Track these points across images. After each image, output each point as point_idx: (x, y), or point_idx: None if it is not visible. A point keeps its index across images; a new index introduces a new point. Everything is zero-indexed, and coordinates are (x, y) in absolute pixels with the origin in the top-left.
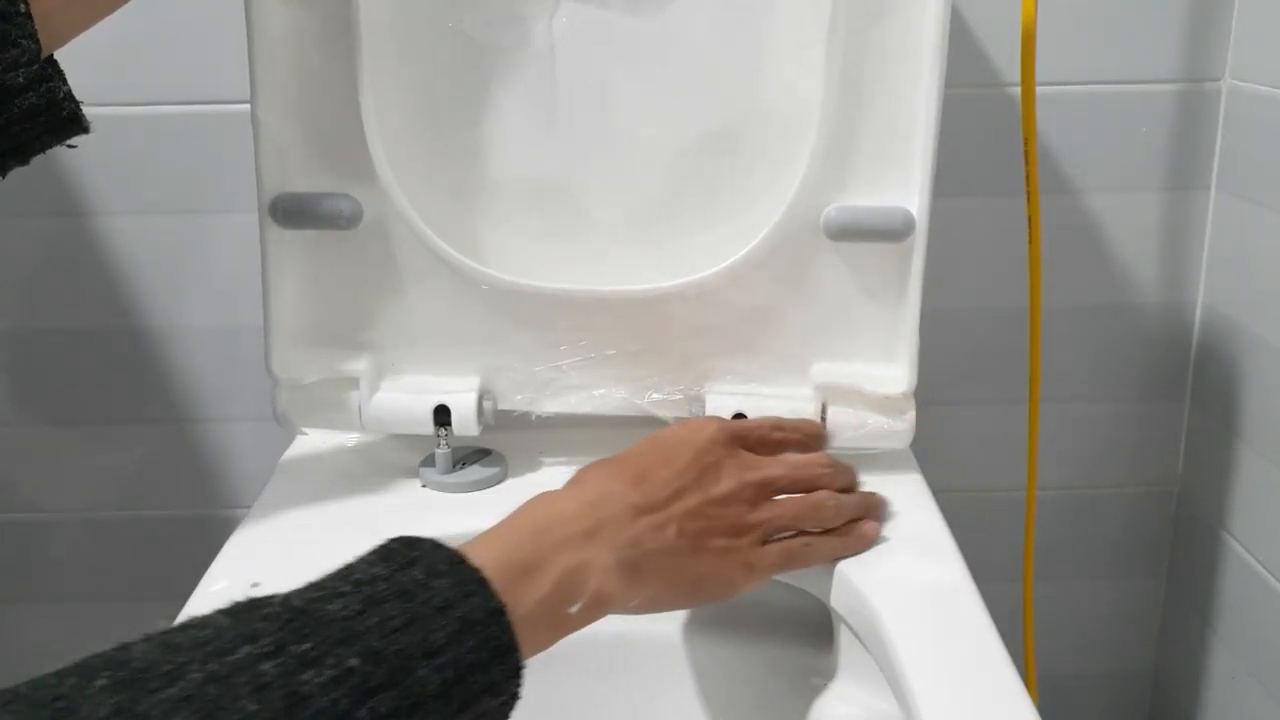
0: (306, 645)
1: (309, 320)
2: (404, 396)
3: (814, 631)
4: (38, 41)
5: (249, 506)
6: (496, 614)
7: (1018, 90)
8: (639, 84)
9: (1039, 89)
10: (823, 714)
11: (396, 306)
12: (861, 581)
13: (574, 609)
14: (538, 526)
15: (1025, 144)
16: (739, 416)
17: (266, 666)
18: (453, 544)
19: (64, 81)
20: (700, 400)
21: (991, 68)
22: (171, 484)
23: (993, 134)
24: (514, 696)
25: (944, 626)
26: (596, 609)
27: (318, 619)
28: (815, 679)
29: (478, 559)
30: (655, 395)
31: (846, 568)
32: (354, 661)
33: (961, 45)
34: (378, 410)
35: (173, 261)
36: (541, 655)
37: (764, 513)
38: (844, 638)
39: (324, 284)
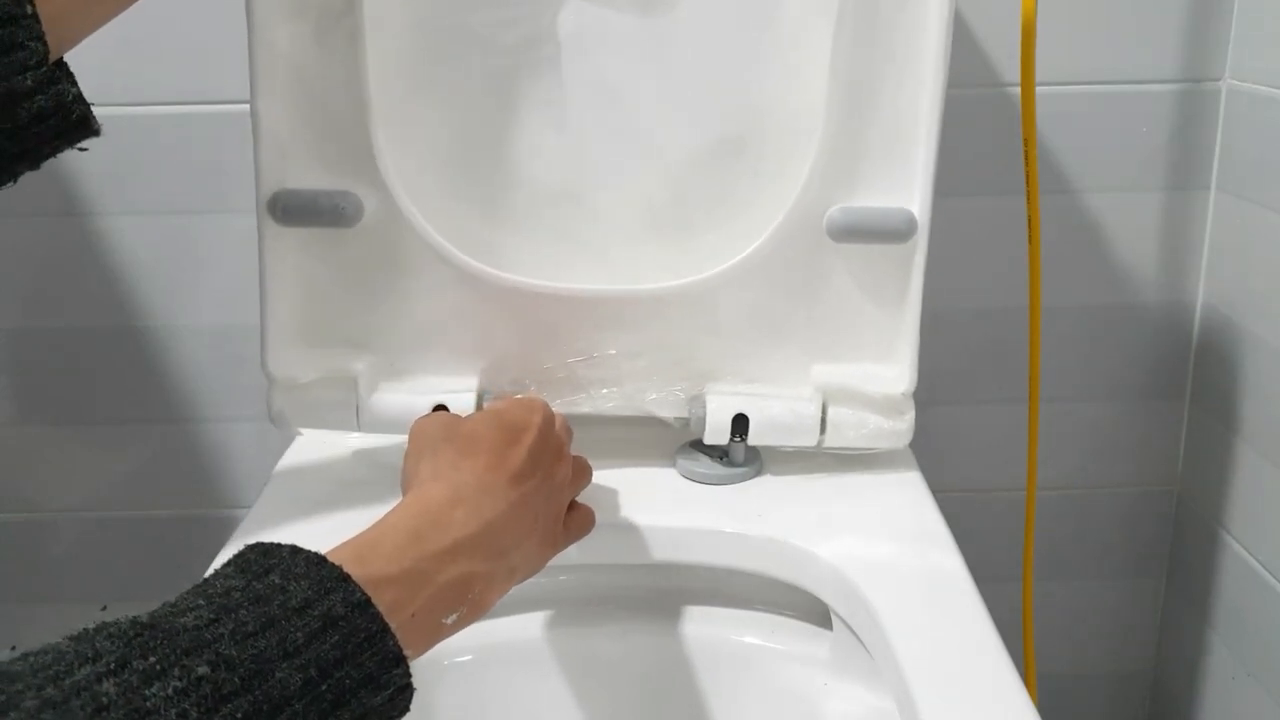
0: (152, 659)
1: (306, 319)
2: (403, 397)
3: (812, 630)
4: (45, 44)
5: (249, 506)
6: (361, 606)
7: (1018, 90)
8: (645, 84)
9: (1039, 89)
10: (821, 713)
11: (396, 306)
12: (860, 580)
13: (450, 619)
14: (416, 532)
15: (1025, 144)
16: (740, 417)
17: (107, 685)
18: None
19: (73, 84)
20: (701, 400)
21: (991, 68)
22: (171, 484)
23: (993, 134)
24: (403, 689)
25: (943, 626)
26: (471, 617)
27: (165, 632)
28: (813, 677)
29: (351, 569)
30: (656, 395)
31: (845, 566)
32: (203, 670)
33: (961, 45)
34: (376, 410)
35: (173, 261)
36: (543, 654)
37: (571, 491)
38: (842, 636)
39: (322, 282)
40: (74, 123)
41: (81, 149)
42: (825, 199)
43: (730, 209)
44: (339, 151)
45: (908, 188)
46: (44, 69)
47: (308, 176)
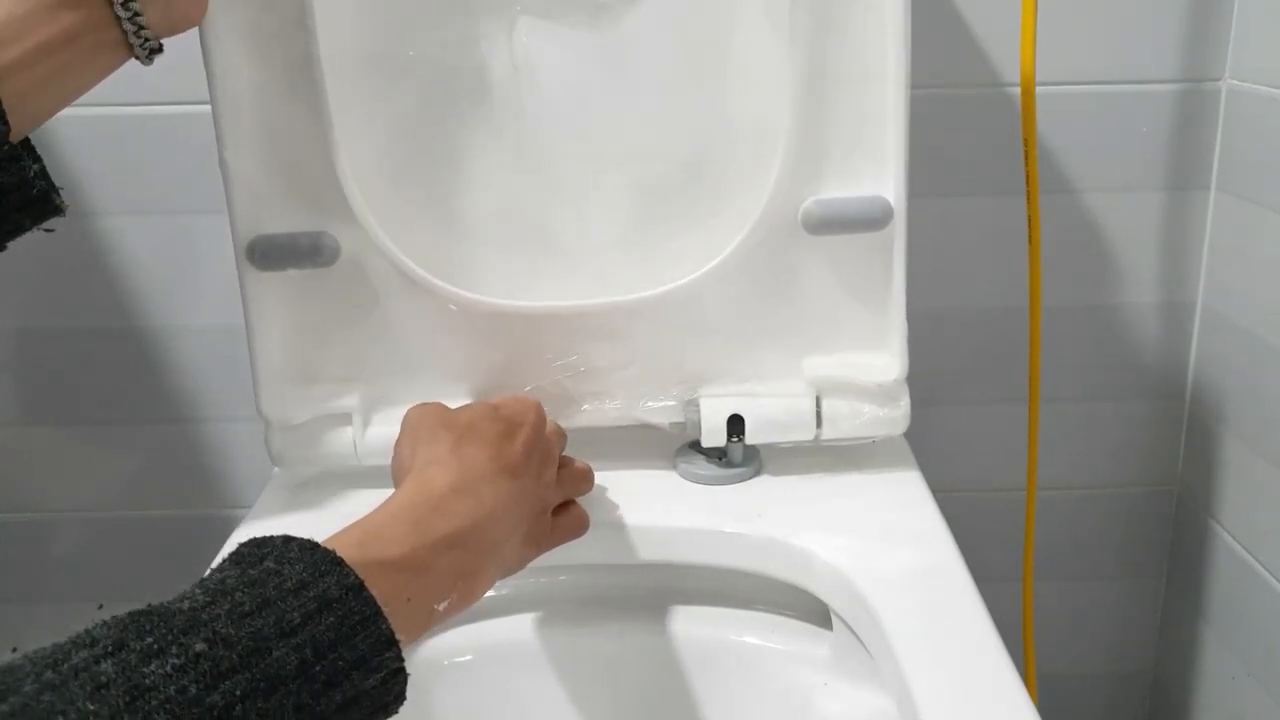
0: (149, 639)
1: (296, 359)
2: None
3: (812, 630)
4: (7, 123)
5: (249, 506)
6: (355, 589)
7: (1018, 90)
8: (607, 98)
9: (1039, 89)
10: (822, 713)
11: (383, 338)
12: (860, 580)
13: (441, 606)
14: (417, 519)
15: (1025, 144)
16: (735, 417)
17: (105, 665)
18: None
19: (36, 160)
20: (695, 404)
21: (991, 68)
22: (171, 484)
23: (993, 134)
24: (396, 672)
25: (943, 626)
26: (460, 606)
27: (161, 614)
28: (813, 677)
29: (352, 553)
30: (651, 403)
31: (845, 566)
32: (201, 647)
33: (961, 45)
34: (374, 443)
35: (172, 261)
36: (542, 654)
37: (559, 494)
38: (842, 636)
39: (308, 322)
40: (34, 198)
41: (48, 230)
42: (798, 193)
43: (705, 212)
44: (310, 193)
45: (880, 175)
46: (5, 146)
47: (282, 220)
